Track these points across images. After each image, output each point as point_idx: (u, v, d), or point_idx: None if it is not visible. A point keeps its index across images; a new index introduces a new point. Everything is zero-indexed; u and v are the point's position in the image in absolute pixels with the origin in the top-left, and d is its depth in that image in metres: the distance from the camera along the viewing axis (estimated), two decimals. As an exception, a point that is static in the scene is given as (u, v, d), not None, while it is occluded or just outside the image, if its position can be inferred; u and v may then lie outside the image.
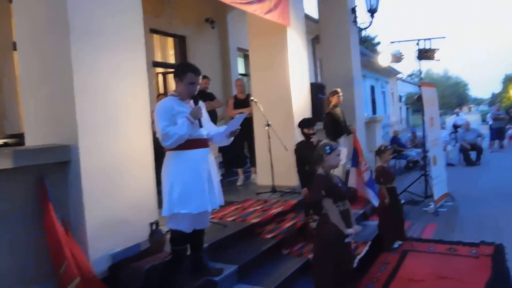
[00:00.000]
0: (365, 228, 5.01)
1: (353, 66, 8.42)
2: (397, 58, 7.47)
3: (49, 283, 2.54)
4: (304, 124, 4.83)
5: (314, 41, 12.62)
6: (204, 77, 6.15)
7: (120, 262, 2.91)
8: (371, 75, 20.62)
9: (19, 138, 4.29)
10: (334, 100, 6.20)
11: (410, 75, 36.41)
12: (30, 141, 3.06)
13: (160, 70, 8.30)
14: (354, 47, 8.59)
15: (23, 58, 3.11)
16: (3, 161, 2.43)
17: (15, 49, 5.18)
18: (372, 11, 8.44)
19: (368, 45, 29.16)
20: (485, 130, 13.99)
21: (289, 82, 5.95)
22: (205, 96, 6.15)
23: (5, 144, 4.07)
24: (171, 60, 8.44)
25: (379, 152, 4.73)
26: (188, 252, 3.01)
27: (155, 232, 3.09)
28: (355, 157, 5.86)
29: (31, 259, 2.57)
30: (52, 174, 2.72)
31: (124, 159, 3.08)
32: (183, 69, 2.89)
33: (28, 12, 3.01)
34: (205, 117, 2.96)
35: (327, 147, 3.02)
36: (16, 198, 2.55)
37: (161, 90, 8.01)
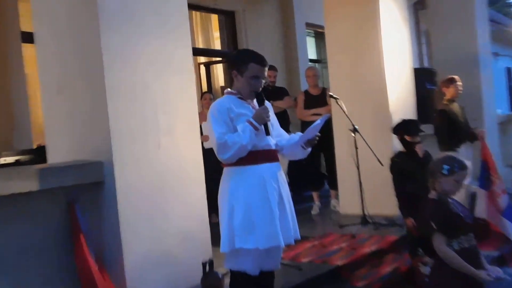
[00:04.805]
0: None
1: (479, 40, 8.23)
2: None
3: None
4: (404, 128, 4.88)
5: (418, 7, 12.51)
6: (270, 67, 6.45)
7: (166, 311, 3.21)
8: (508, 52, 19.85)
9: (32, 154, 4.82)
10: (449, 92, 6.19)
11: None
12: (53, 157, 3.52)
13: (202, 59, 8.73)
14: (480, 11, 8.43)
15: (42, 52, 3.60)
16: (28, 182, 2.83)
17: (24, 40, 5.78)
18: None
19: (501, 6, 28.05)
20: None
21: (383, 68, 6.05)
22: (274, 93, 6.42)
23: (17, 162, 4.58)
24: (216, 45, 8.82)
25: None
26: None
27: (209, 274, 3.36)
28: (484, 175, 5.79)
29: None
30: (83, 198, 3.11)
31: (169, 177, 3.43)
32: (244, 58, 3.13)
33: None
34: (273, 121, 3.20)
35: (446, 167, 3.07)
36: (44, 226, 2.96)
37: (204, 87, 8.40)
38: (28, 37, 5.14)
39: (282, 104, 6.54)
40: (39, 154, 4.69)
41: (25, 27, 5.76)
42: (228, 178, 3.09)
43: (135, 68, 3.33)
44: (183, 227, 3.47)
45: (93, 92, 3.25)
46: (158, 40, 3.48)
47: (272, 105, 3.39)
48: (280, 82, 7.82)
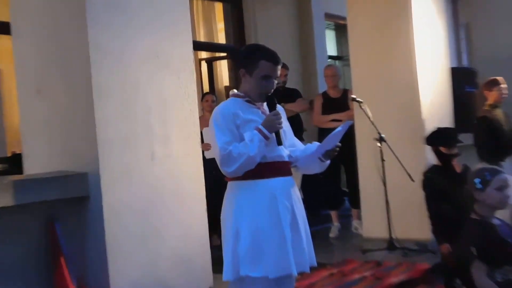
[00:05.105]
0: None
1: (528, 35, 8.24)
2: None
3: None
4: (439, 138, 4.90)
5: (456, -3, 12.52)
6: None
7: None
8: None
9: (6, 163, 4.88)
10: (492, 95, 6.18)
11: None
12: (31, 167, 3.55)
13: (203, 55, 8.76)
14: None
15: (20, 46, 3.64)
16: (1, 196, 2.85)
17: (-2, 31, 5.85)
18: None
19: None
20: None
21: (414, 68, 6.06)
22: (284, 95, 6.44)
23: (-11, 172, 4.66)
24: (220, 39, 8.84)
25: None
26: None
27: (209, 306, 3.38)
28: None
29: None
30: (65, 215, 3.14)
31: (164, 192, 3.45)
32: (254, 55, 3.13)
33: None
34: (285, 129, 3.19)
35: (477, 180, 3.09)
36: (19, 247, 2.98)
37: (206, 87, 8.42)
38: (3, 28, 5.19)
39: (294, 107, 6.56)
40: (14, 163, 4.74)
41: (0, 16, 5.81)
42: (232, 194, 3.10)
43: (127, 67, 3.37)
44: (179, 251, 3.48)
45: (78, 93, 3.29)
46: (153, 35, 3.52)
47: (284, 109, 3.40)
48: (294, 83, 7.83)
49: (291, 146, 3.25)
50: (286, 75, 6.81)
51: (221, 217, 3.14)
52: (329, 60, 9.77)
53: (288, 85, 7.02)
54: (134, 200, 3.31)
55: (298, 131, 6.43)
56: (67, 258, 3.01)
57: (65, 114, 3.37)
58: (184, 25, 3.73)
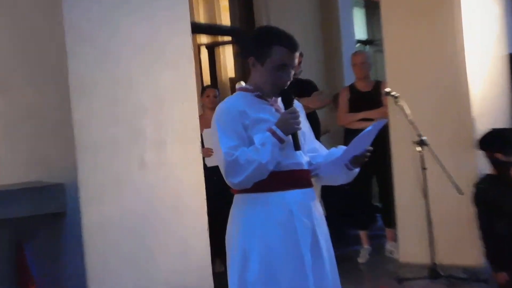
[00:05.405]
0: None
1: None
2: None
3: None
4: (495, 142, 4.90)
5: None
6: None
7: None
8: None
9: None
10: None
11: None
12: (-2, 177, 3.58)
13: (203, 39, 8.78)
14: None
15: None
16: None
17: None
18: None
19: None
20: None
21: (462, 54, 6.04)
22: (296, 87, 6.45)
23: None
24: (224, 20, 8.87)
25: None
26: None
27: None
28: None
29: None
30: (36, 235, 3.17)
31: (157, 208, 3.46)
32: (266, 40, 3.13)
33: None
34: (305, 130, 3.22)
35: None
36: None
37: (206, 79, 8.44)
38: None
39: (309, 103, 6.55)
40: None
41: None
42: (240, 209, 3.11)
43: (113, 58, 3.40)
44: (176, 278, 3.49)
45: (51, 89, 3.32)
46: (145, 19, 3.54)
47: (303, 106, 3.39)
48: (314, 73, 7.82)
49: (311, 151, 3.25)
50: (300, 63, 6.82)
51: (226, 237, 3.15)
52: (358, 45, 9.80)
53: (302, 76, 6.99)
54: (120, 216, 3.32)
55: (314, 133, 6.44)
56: (38, 285, 3.03)
57: (35, 115, 3.41)
58: (182, 5, 3.76)
